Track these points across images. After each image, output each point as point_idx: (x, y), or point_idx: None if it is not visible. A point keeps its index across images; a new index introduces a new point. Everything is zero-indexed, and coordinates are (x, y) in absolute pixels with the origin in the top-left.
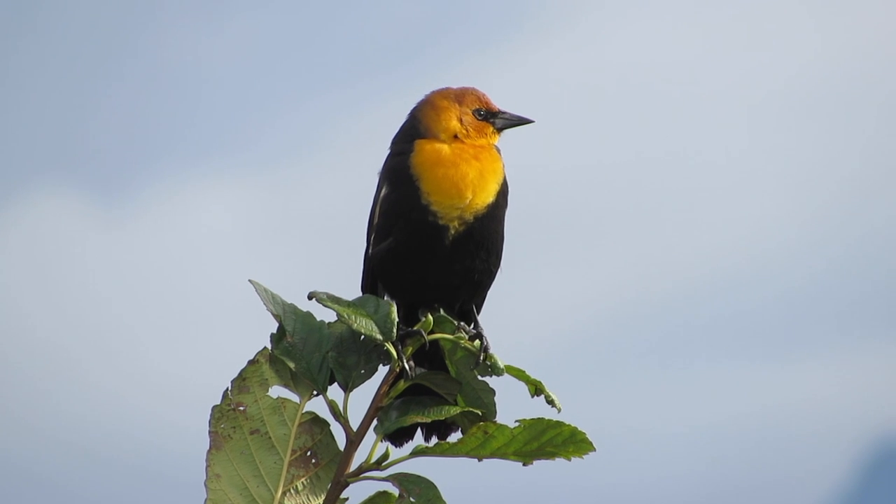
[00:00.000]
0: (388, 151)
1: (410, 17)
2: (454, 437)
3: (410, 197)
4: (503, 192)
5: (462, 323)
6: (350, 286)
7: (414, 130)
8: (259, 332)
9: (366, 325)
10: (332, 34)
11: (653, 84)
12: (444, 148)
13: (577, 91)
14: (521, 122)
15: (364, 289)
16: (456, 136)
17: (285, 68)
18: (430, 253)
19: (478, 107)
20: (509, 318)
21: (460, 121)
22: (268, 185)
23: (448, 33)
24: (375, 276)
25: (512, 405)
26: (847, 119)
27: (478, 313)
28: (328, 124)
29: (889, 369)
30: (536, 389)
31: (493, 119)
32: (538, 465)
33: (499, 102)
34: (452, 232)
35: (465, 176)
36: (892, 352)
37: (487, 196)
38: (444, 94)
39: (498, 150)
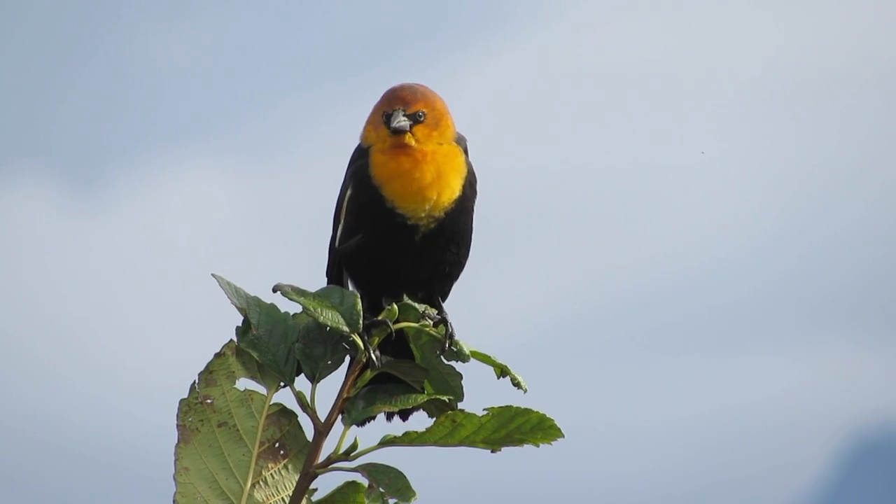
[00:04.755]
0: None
1: (390, 15)
2: (419, 418)
3: (377, 203)
4: (470, 184)
5: (426, 310)
6: (321, 279)
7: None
8: (226, 324)
9: (332, 318)
10: (309, 32)
11: (620, 86)
12: (390, 160)
13: (545, 92)
14: (395, 127)
15: (329, 277)
16: (377, 144)
17: (261, 65)
18: (401, 249)
19: (384, 109)
20: (481, 315)
21: (374, 126)
22: (240, 179)
23: (428, 32)
24: (343, 268)
25: (479, 393)
26: (813, 120)
27: (443, 301)
28: (304, 121)
29: (866, 363)
30: (502, 371)
31: (389, 122)
32: (512, 458)
33: (470, 101)
34: (423, 229)
35: (421, 181)
36: (868, 346)
37: (453, 192)
38: (381, 98)
39: (459, 143)
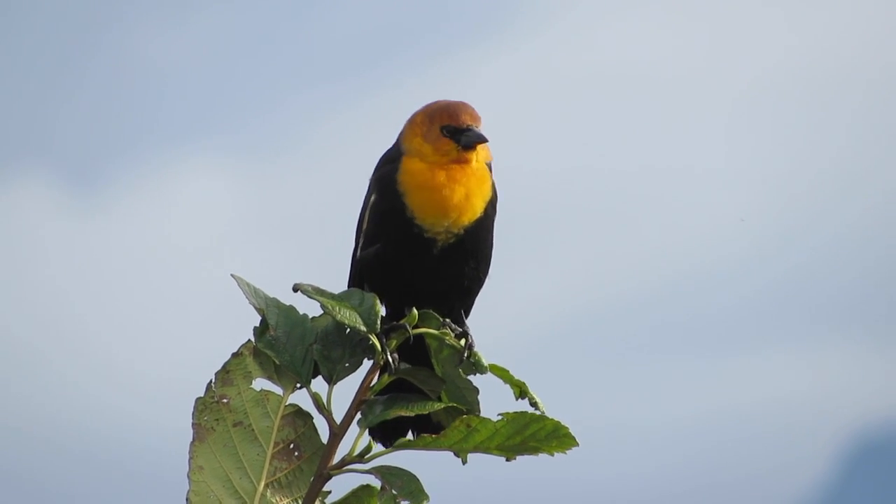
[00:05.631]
0: (384, 152)
1: (393, 14)
2: None
3: (397, 211)
4: (492, 204)
5: (448, 320)
6: (327, 280)
7: (399, 145)
8: (244, 324)
9: (350, 317)
10: (313, 31)
11: (626, 84)
12: (426, 170)
13: (551, 91)
14: (478, 140)
15: (351, 287)
16: (425, 155)
17: (264, 63)
18: (418, 262)
19: (448, 123)
20: (488, 313)
21: (423, 137)
22: (242, 178)
23: (430, 32)
24: (363, 278)
25: (495, 404)
26: (815, 121)
27: (466, 317)
28: (308, 120)
29: (869, 363)
30: (521, 391)
31: (459, 136)
32: (521, 460)
33: (481, 105)
34: (440, 243)
35: (449, 199)
36: (871, 346)
37: (474, 214)
38: (425, 109)
39: (489, 168)
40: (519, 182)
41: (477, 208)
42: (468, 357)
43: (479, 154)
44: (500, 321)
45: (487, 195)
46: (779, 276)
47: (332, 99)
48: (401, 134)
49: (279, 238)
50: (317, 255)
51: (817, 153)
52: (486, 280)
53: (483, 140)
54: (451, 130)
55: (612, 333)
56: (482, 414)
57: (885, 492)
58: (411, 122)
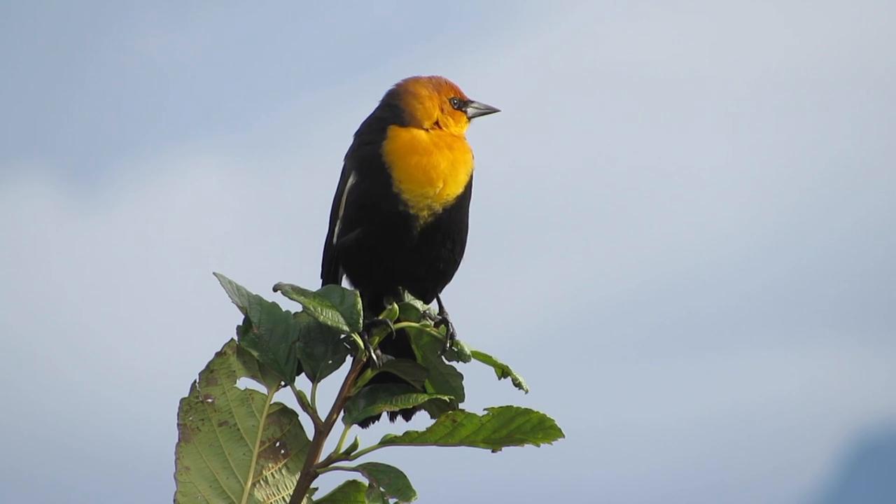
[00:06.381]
0: (352, 142)
1: (394, 15)
2: (420, 418)
3: (381, 185)
4: (471, 184)
5: (427, 310)
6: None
7: (389, 118)
8: (229, 323)
9: (332, 317)
10: (313, 32)
11: (627, 84)
12: (421, 135)
13: (550, 91)
14: (489, 111)
15: (325, 277)
16: (437, 124)
17: (265, 64)
18: (399, 243)
19: (453, 95)
20: (481, 314)
21: (441, 109)
22: (242, 178)
23: (431, 33)
24: (341, 265)
25: (479, 393)
26: (816, 122)
27: (441, 302)
28: (308, 120)
29: (869, 363)
30: (503, 372)
31: (465, 108)
32: (512, 457)
33: (472, 96)
34: (421, 222)
35: (437, 165)
36: (871, 346)
37: (458, 187)
38: (421, 82)
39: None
40: (519, 181)
41: (461, 179)
42: (451, 346)
43: (463, 126)
44: (500, 320)
45: (470, 168)
46: (779, 276)
47: (333, 99)
48: (400, 109)
49: (279, 237)
50: (317, 255)
51: (818, 155)
52: (461, 263)
53: (496, 110)
54: (458, 102)
55: (612, 333)
56: (466, 404)
57: (885, 492)
58: (419, 96)
